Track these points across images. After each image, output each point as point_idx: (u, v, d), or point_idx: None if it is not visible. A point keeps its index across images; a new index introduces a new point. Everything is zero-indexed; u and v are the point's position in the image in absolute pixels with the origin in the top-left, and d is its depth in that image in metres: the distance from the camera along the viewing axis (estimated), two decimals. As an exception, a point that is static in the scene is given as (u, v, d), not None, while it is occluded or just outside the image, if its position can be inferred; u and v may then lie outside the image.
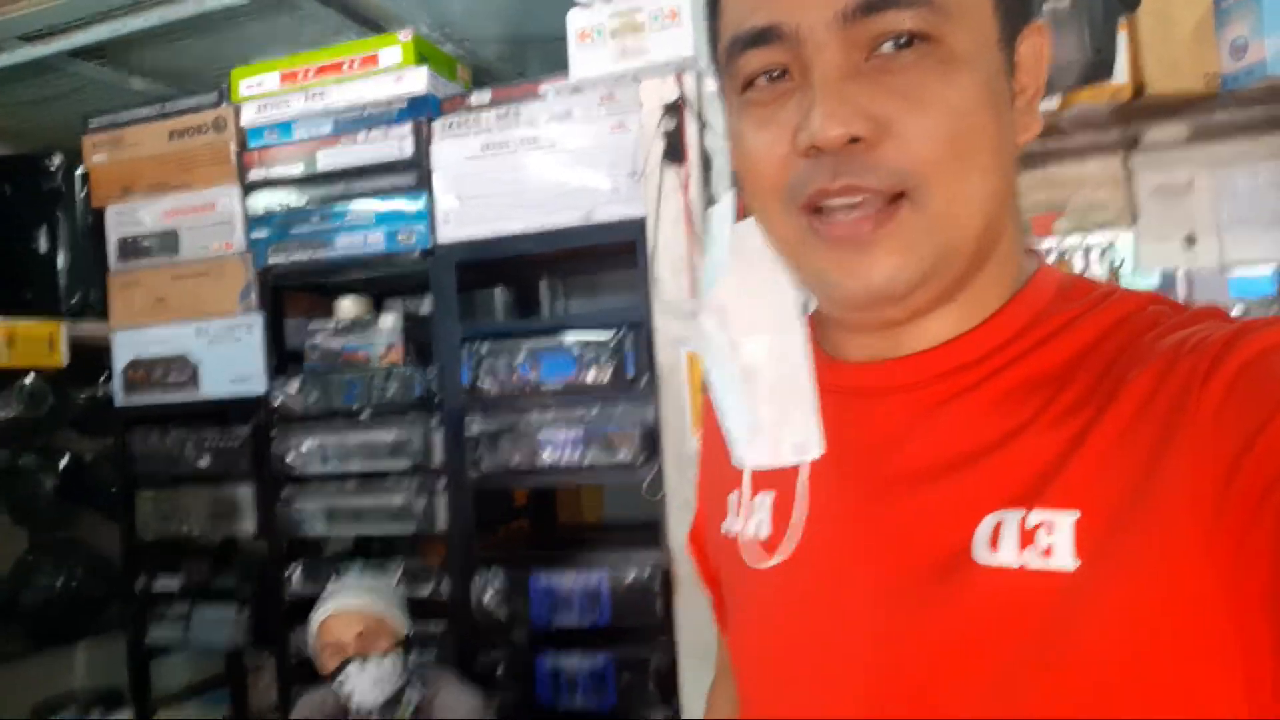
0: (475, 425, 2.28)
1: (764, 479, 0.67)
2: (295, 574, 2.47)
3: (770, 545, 0.65)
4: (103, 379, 4.08)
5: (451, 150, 2.26)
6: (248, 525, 2.52)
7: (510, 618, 2.24)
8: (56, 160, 3.81)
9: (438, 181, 2.27)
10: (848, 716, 0.58)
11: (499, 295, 2.94)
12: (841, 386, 0.64)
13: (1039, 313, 0.58)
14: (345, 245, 2.34)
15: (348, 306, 2.50)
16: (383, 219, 2.31)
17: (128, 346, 2.64)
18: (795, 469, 0.64)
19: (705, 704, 0.94)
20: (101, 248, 2.70)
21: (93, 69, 3.17)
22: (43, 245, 3.82)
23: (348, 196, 2.34)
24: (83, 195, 3.79)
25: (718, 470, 0.73)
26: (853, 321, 0.63)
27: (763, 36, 0.56)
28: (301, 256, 2.39)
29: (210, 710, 3.14)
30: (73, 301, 3.85)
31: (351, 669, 1.82)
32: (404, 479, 2.36)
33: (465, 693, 1.95)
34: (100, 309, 3.70)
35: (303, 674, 2.44)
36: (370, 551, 2.72)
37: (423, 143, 2.27)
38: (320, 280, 2.48)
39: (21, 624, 3.83)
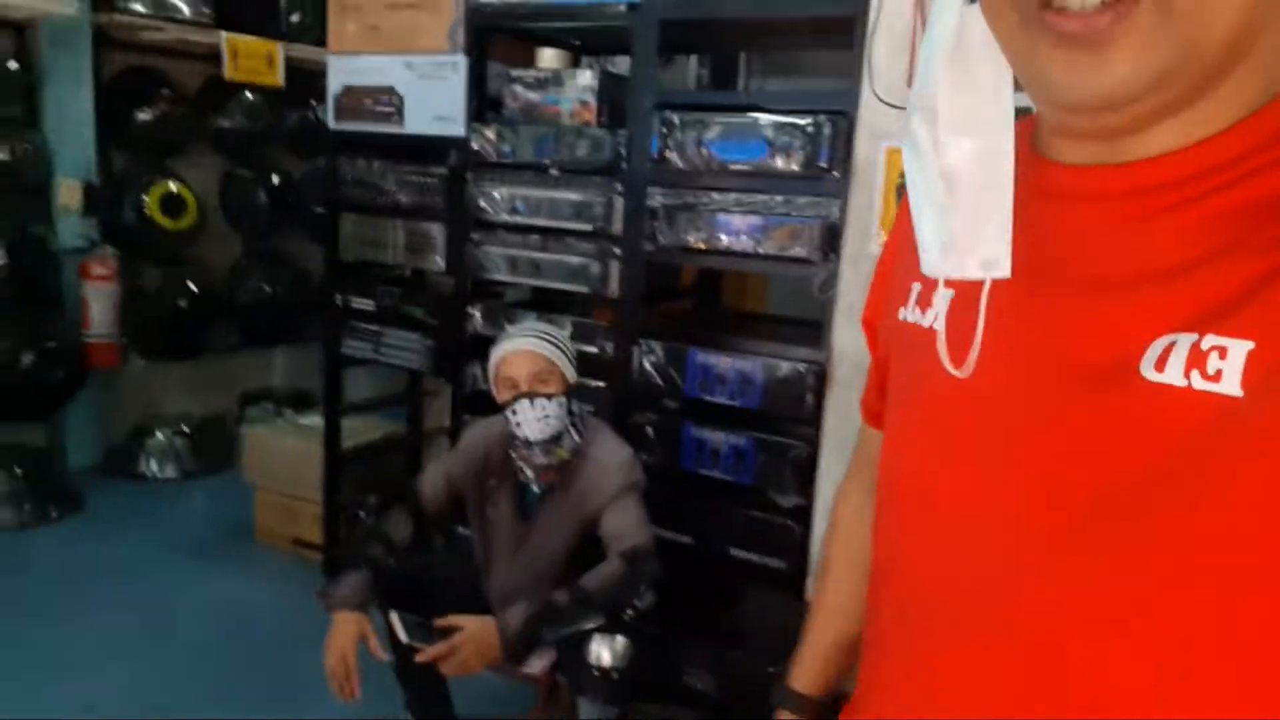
0: (657, 197, 2.29)
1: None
2: (476, 312, 2.63)
3: (949, 347, 0.64)
4: (314, 103, 4.31)
5: (674, -101, 2.13)
6: (437, 260, 2.68)
7: (665, 386, 2.34)
8: (287, -128, 3.84)
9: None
10: (1000, 510, 0.60)
11: (693, 65, 2.85)
12: (1049, 189, 0.62)
13: (1271, 137, 0.53)
14: (555, -9, 2.30)
15: (548, 57, 2.49)
16: (595, -32, 2.24)
17: (341, 72, 2.74)
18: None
19: (837, 491, 0.97)
20: (324, -32, 2.74)
21: None
22: (265, -37, 3.94)
23: (562, -60, 2.27)
24: (307, -88, 3.85)
25: (905, 256, 0.72)
26: (1071, 126, 0.60)
27: None
28: None
29: (389, 423, 3.50)
30: (291, 20, 4.00)
31: (522, 404, 1.97)
32: (584, 240, 2.43)
33: (618, 445, 2.09)
34: (315, 34, 3.85)
35: (474, 404, 2.67)
36: (545, 303, 2.86)
37: (646, -112, 2.15)
38: (525, 25, 2.46)
39: (234, 321, 4.32)
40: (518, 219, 2.50)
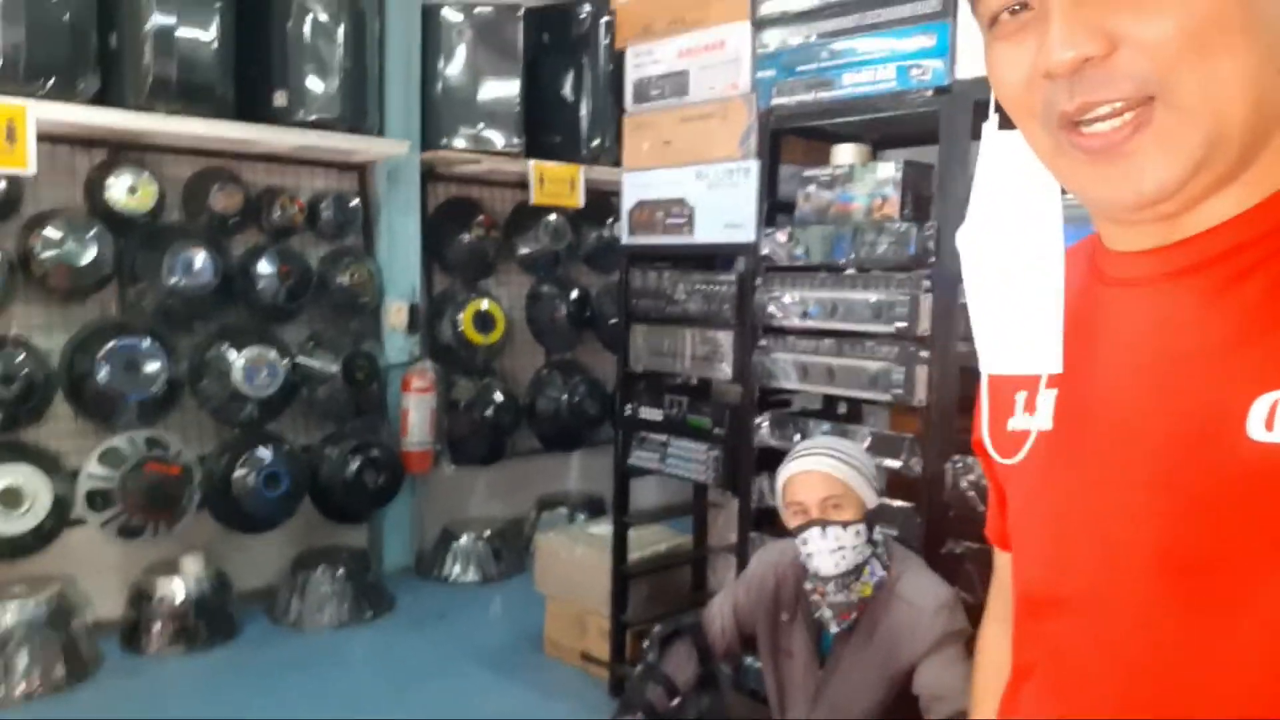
0: (972, 293, 2.02)
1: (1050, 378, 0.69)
2: (764, 423, 2.47)
3: (1048, 436, 0.68)
4: (610, 221, 4.50)
5: (986, -30, 1.93)
6: (725, 369, 2.57)
7: (986, 510, 2.02)
8: (586, 8, 4.11)
9: (963, 6, 1.97)
10: (1125, 575, 0.60)
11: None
12: (1118, 276, 0.65)
13: None
14: (851, 83, 2.17)
15: (845, 153, 2.34)
16: (896, 54, 2.09)
17: (635, 188, 2.77)
18: (1080, 366, 0.66)
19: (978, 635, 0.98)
20: (618, 94, 2.83)
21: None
22: (569, 92, 4.20)
23: (859, 29, 2.15)
24: (606, 42, 4.07)
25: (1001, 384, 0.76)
26: (1126, 219, 0.63)
27: None
28: (805, 97, 2.27)
29: (676, 534, 3.39)
30: (591, 145, 4.21)
31: (813, 533, 1.75)
32: (885, 343, 2.20)
33: (934, 582, 1.79)
34: (613, 155, 4.02)
35: (762, 520, 2.49)
36: (838, 413, 2.64)
37: (951, -38, 1.98)
38: (821, 124, 2.34)
39: (535, 428, 4.50)
40: (809, 323, 2.33)
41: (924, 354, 2.13)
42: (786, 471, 1.84)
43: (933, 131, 2.10)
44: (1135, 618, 0.61)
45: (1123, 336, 0.64)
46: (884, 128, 2.37)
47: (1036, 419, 0.70)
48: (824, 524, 1.74)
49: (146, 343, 3.30)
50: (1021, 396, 0.73)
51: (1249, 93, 0.54)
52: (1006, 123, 0.66)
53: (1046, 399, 0.69)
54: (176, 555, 3.45)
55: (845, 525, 1.74)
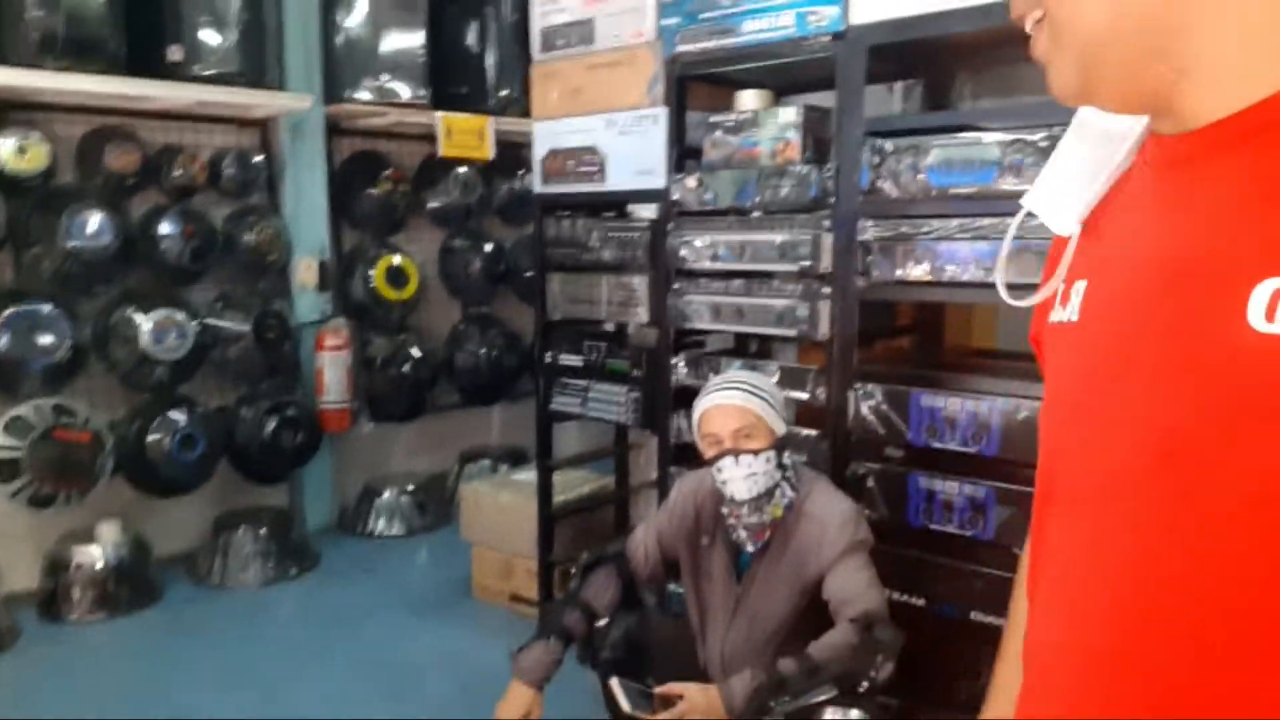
0: (869, 230, 2.15)
1: (1081, 268, 0.71)
2: (680, 363, 2.57)
3: (1074, 331, 0.69)
4: (521, 172, 4.50)
5: (875, -82, 2.03)
6: (641, 313, 2.65)
7: (886, 433, 2.17)
8: (489, -43, 4.07)
9: (856, -44, 2.06)
10: (1122, 468, 0.61)
11: (898, 92, 2.70)
12: (1151, 159, 0.66)
13: None
14: (752, 30, 2.25)
15: (748, 99, 2.42)
16: (793, 0, 2.16)
17: (546, 137, 2.80)
18: (1111, 257, 0.67)
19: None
20: (525, 45, 2.84)
21: None
22: (474, 42, 4.16)
23: (759, -24, 2.21)
24: (510, -8, 4.05)
25: (1053, 266, 0.77)
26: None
27: None
28: (709, 44, 2.33)
29: (598, 477, 3.49)
30: (499, 96, 4.20)
31: (726, 462, 1.86)
32: (790, 282, 2.32)
33: (838, 498, 1.93)
34: (521, 106, 4.01)
35: (681, 455, 2.60)
36: (749, 350, 2.76)
37: (844, -89, 2.06)
38: (724, 70, 2.42)
39: (454, 382, 4.52)
40: (720, 265, 2.43)
41: (826, 290, 2.25)
42: (701, 406, 1.94)
43: (830, 77, 2.20)
44: (1125, 515, 0.60)
45: (1150, 220, 0.65)
46: (786, 73, 2.46)
47: (1068, 311, 0.70)
48: (737, 453, 1.85)
49: (47, 308, 3.21)
50: (1060, 290, 0.74)
51: (1101, 17, 0.60)
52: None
53: (1077, 290, 0.69)
54: (92, 523, 3.39)
55: (756, 453, 1.85)
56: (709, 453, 1.91)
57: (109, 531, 3.38)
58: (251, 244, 3.71)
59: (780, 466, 1.90)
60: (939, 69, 2.47)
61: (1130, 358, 0.61)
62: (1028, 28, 0.65)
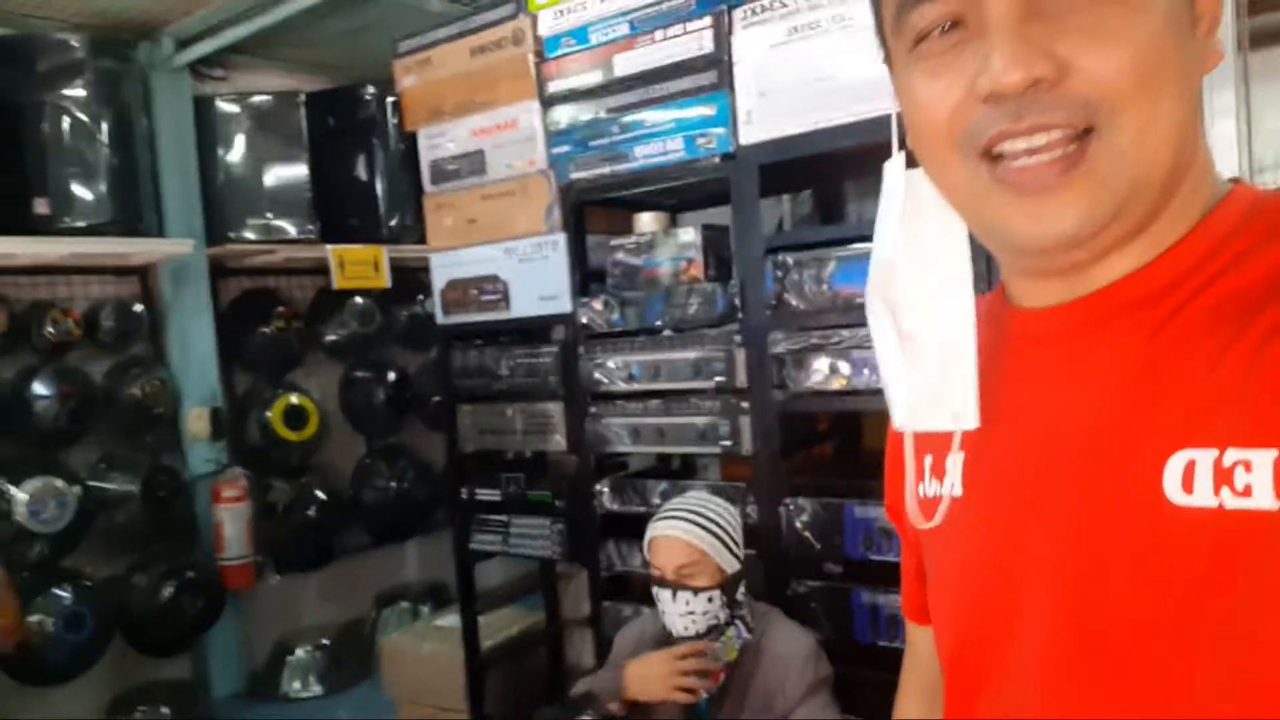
0: (781, 343, 2.13)
1: (944, 439, 0.67)
2: (604, 489, 2.48)
3: (959, 503, 0.66)
4: (421, 297, 4.40)
5: (754, 40, 2.06)
6: (559, 440, 2.56)
7: (822, 548, 2.10)
8: (370, 90, 4.05)
9: (739, 77, 2.09)
10: (1038, 657, 0.58)
11: (791, 204, 2.75)
12: (1024, 334, 0.64)
13: (1227, 234, 0.56)
14: (643, 155, 2.24)
15: (646, 221, 2.42)
16: (682, 125, 2.18)
17: (444, 267, 2.73)
18: (990, 432, 0.63)
19: (894, 707, 0.92)
20: (415, 173, 2.79)
21: (395, -5, 3.29)
22: (362, 174, 4.11)
23: (645, 103, 2.23)
24: (395, 123, 4.02)
25: (919, 436, 0.73)
26: (1034, 268, 0.62)
27: None
28: (602, 170, 2.32)
29: (528, 613, 3.32)
30: (391, 224, 4.13)
31: (664, 595, 1.77)
32: (708, 399, 2.27)
33: (798, 634, 1.84)
34: (416, 232, 3.95)
35: (614, 589, 2.48)
36: (672, 469, 2.69)
37: (723, 35, 2.10)
38: (620, 194, 2.40)
39: (364, 521, 4.30)
40: (634, 386, 2.37)
41: (744, 405, 2.21)
42: (650, 532, 1.85)
43: (726, 192, 2.21)
44: (1044, 695, 0.58)
45: (1030, 396, 0.62)
46: (682, 190, 2.47)
47: (946, 484, 0.67)
48: (676, 588, 1.76)
49: (-97, 492, 2.93)
50: (928, 460, 0.70)
51: (1176, 141, 0.54)
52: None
53: (955, 462, 0.66)
54: (-38, 727, 3.04)
55: (697, 592, 1.76)
56: (652, 580, 1.81)
57: (-17, 734, 3.04)
58: (136, 397, 3.50)
59: (732, 604, 1.81)
60: (828, 180, 2.52)
61: (1040, 533, 0.59)
62: (1039, 140, 0.53)
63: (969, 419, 0.63)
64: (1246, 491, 0.49)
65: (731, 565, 1.81)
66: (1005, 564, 0.61)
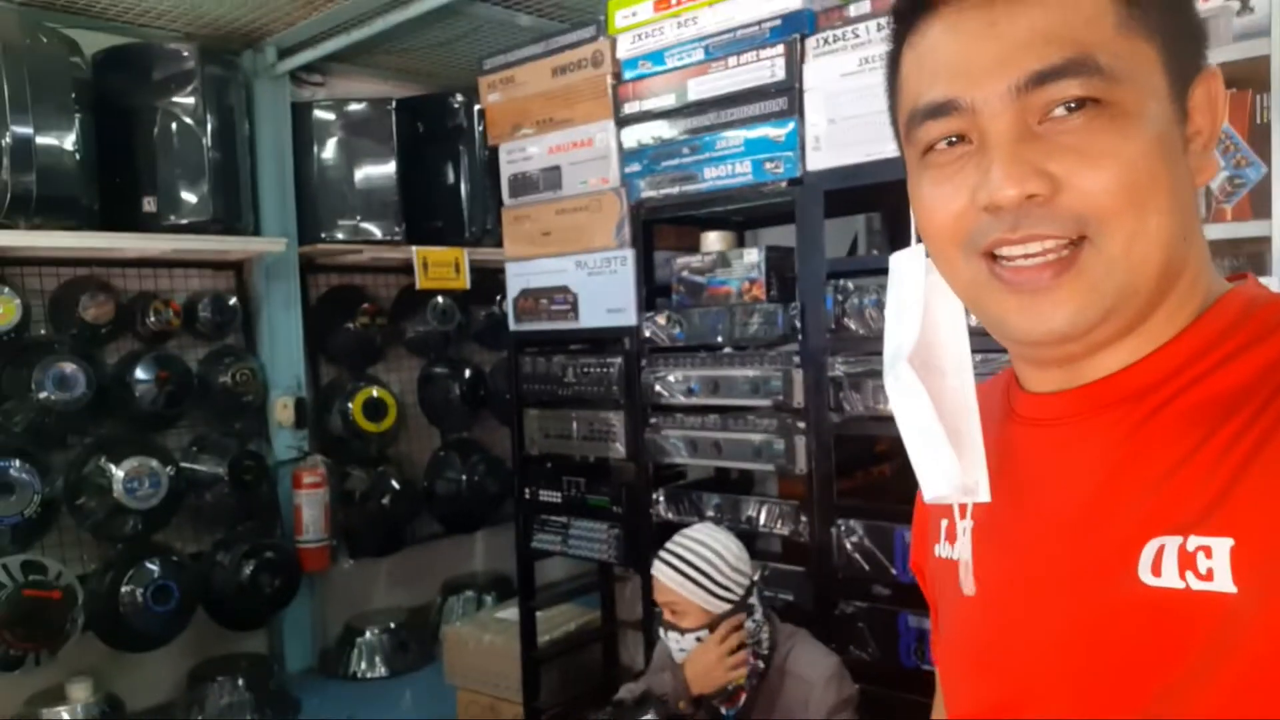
0: (839, 367, 2.16)
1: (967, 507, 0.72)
2: (660, 498, 2.54)
3: (964, 560, 0.71)
4: (499, 298, 4.54)
5: (825, 69, 2.11)
6: (619, 448, 2.64)
7: (871, 569, 2.13)
8: (459, 99, 4.19)
9: (809, 104, 2.13)
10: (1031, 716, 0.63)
11: (866, 220, 2.77)
12: (1027, 416, 0.68)
13: (1215, 337, 0.60)
14: (712, 177, 2.30)
15: (713, 240, 2.47)
16: (751, 148, 2.23)
17: (518, 277, 2.84)
18: (994, 506, 0.67)
19: None
20: (497, 179, 2.90)
21: (486, 9, 3.41)
22: (448, 178, 4.25)
23: (717, 127, 2.29)
24: (480, 130, 4.15)
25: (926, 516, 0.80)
26: (1033, 357, 0.67)
27: (941, 110, 0.61)
28: (671, 190, 2.39)
29: (585, 610, 3.41)
30: (473, 229, 4.27)
31: (662, 630, 1.89)
32: (765, 416, 2.32)
33: (820, 653, 1.88)
34: (496, 236, 4.06)
35: (665, 596, 2.54)
36: (731, 483, 2.74)
37: (795, 64, 2.14)
38: (688, 213, 2.47)
39: (435, 511, 4.45)
40: (694, 400, 2.43)
41: (800, 425, 2.25)
42: (652, 568, 1.94)
43: (792, 211, 2.25)
44: None
45: (1032, 475, 0.66)
46: (749, 210, 2.51)
47: (957, 549, 0.72)
48: (666, 626, 1.86)
49: (15, 464, 3.16)
50: (944, 524, 0.75)
51: (1165, 251, 0.58)
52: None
53: (964, 529, 0.71)
54: (62, 682, 3.27)
55: (683, 632, 1.83)
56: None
57: (79, 691, 3.26)
58: (227, 385, 3.70)
59: (755, 621, 1.85)
60: (892, 205, 2.53)
61: (1037, 608, 0.63)
62: (1034, 248, 0.59)
63: (981, 493, 0.66)
64: (1209, 575, 0.53)
65: (716, 607, 1.84)
66: (1008, 637, 0.66)
